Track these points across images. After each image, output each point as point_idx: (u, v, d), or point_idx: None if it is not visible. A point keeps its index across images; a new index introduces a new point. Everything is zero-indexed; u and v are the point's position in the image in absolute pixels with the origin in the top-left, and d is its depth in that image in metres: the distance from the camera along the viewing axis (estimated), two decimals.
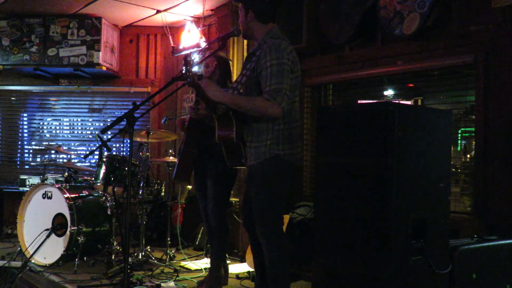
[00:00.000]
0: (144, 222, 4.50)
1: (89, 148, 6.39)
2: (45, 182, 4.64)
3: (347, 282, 2.32)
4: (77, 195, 4.43)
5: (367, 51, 3.95)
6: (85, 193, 4.56)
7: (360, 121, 2.32)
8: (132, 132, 2.63)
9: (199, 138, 3.59)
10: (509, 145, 3.09)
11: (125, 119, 2.60)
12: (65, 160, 6.15)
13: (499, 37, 3.15)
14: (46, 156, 6.50)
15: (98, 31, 5.76)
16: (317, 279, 2.53)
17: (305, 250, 3.95)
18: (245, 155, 2.82)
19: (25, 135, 6.65)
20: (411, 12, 3.51)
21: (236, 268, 4.33)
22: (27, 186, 5.69)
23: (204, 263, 4.46)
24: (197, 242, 5.14)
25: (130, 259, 4.09)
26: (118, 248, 4.31)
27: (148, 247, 4.55)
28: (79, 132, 6.52)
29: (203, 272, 4.17)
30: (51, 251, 4.29)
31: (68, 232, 4.24)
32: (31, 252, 4.33)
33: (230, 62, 3.90)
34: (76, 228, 4.22)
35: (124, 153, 5.07)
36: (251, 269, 4.13)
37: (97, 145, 4.23)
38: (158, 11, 5.56)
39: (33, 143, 6.57)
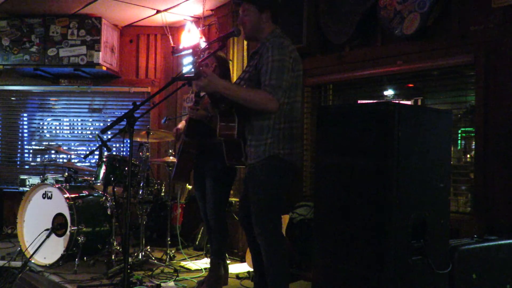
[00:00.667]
0: (144, 222, 4.49)
1: (89, 148, 6.40)
2: (45, 182, 4.64)
3: (347, 282, 2.32)
4: (77, 195, 4.43)
5: (367, 51, 3.95)
6: (85, 193, 4.56)
7: (360, 121, 2.32)
8: (132, 132, 2.63)
9: (198, 138, 3.59)
10: (509, 145, 3.09)
11: (125, 119, 2.60)
12: (65, 160, 6.15)
13: (499, 37, 3.15)
14: (46, 156, 6.50)
15: (98, 31, 5.76)
16: (317, 279, 2.53)
17: (305, 250, 3.95)
18: (245, 154, 2.82)
19: (25, 135, 6.65)
20: (411, 12, 3.51)
21: (236, 268, 4.33)
22: (27, 186, 5.69)
23: (204, 263, 4.46)
24: (197, 242, 5.14)
25: (130, 259, 4.09)
26: (118, 248, 4.31)
27: (148, 247, 4.54)
28: (79, 132, 6.52)
29: (203, 272, 4.17)
30: (51, 251, 4.29)
31: (68, 232, 4.24)
32: (31, 252, 4.32)
33: (230, 62, 3.90)
34: (76, 228, 4.22)
35: (124, 153, 5.07)
36: (251, 269, 4.13)
37: (97, 145, 4.24)
38: (158, 11, 5.56)
39: (33, 143, 6.58)
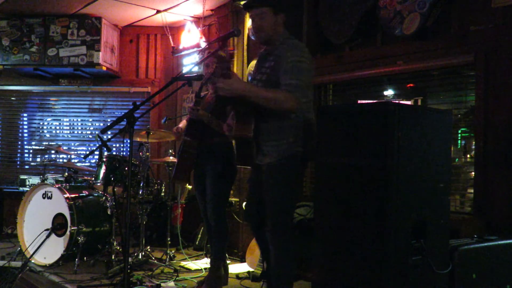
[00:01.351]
0: (144, 222, 4.49)
1: (89, 148, 6.40)
2: (45, 182, 4.64)
3: (347, 282, 2.32)
4: (77, 195, 4.43)
5: (367, 51, 3.95)
6: (85, 193, 4.56)
7: (360, 121, 2.32)
8: (132, 132, 2.64)
9: (198, 138, 3.59)
10: (509, 145, 3.09)
11: (125, 119, 2.60)
12: (65, 160, 6.16)
13: (499, 37, 3.15)
14: (46, 156, 6.50)
15: (98, 31, 5.76)
16: (317, 279, 2.53)
17: (305, 250, 3.94)
18: (256, 154, 2.83)
19: (25, 135, 6.65)
20: (411, 12, 3.51)
21: (236, 268, 4.33)
22: (27, 186, 5.69)
23: (204, 263, 4.46)
24: (197, 242, 5.14)
25: (130, 259, 4.08)
26: (118, 248, 4.31)
27: (148, 247, 4.55)
28: (79, 132, 6.52)
29: (203, 272, 4.16)
30: (51, 251, 4.29)
31: (68, 232, 4.24)
32: (31, 252, 4.32)
33: (231, 62, 3.90)
34: (76, 228, 4.22)
35: (124, 153, 5.07)
36: (251, 269, 4.13)
37: (97, 145, 4.23)
38: (158, 11, 5.56)
39: (33, 143, 6.58)
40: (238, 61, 5.03)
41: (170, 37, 5.94)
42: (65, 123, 6.55)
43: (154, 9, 5.51)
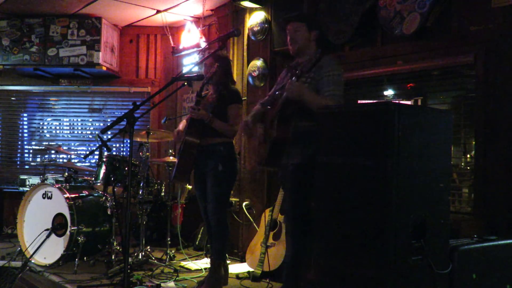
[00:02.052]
0: (144, 222, 4.50)
1: (89, 148, 6.40)
2: (45, 182, 4.64)
3: (347, 282, 2.32)
4: (77, 195, 4.43)
5: (367, 51, 3.95)
6: (85, 193, 4.56)
7: (360, 121, 2.32)
8: (132, 132, 2.64)
9: (199, 138, 3.59)
10: (509, 145, 3.09)
11: (125, 119, 2.61)
12: (65, 160, 6.16)
13: (499, 37, 3.15)
14: (46, 156, 6.50)
15: (98, 31, 5.76)
16: (317, 279, 2.52)
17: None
18: (287, 155, 3.01)
19: (25, 135, 6.65)
20: (411, 12, 3.51)
21: (236, 268, 4.33)
22: (27, 186, 5.69)
23: (204, 263, 4.46)
24: (197, 242, 5.14)
25: (130, 259, 4.09)
26: (118, 248, 4.31)
27: (148, 247, 4.55)
28: (79, 132, 6.52)
29: (203, 272, 4.17)
30: (51, 251, 4.29)
31: (68, 232, 4.24)
32: (31, 252, 4.33)
33: (231, 62, 3.90)
34: (76, 228, 4.23)
35: (124, 153, 5.07)
36: (251, 269, 4.13)
37: (97, 145, 4.24)
38: (158, 11, 5.56)
39: (33, 143, 6.58)
40: (238, 61, 5.03)
41: (170, 37, 5.94)
42: (65, 123, 6.55)
43: (154, 9, 5.51)
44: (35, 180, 5.78)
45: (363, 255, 2.24)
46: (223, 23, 5.34)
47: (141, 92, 6.33)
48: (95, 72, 6.02)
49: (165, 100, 5.63)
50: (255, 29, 4.85)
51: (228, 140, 3.67)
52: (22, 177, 5.98)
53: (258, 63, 4.81)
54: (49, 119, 6.59)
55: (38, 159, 6.53)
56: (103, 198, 4.47)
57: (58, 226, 4.33)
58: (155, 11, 5.57)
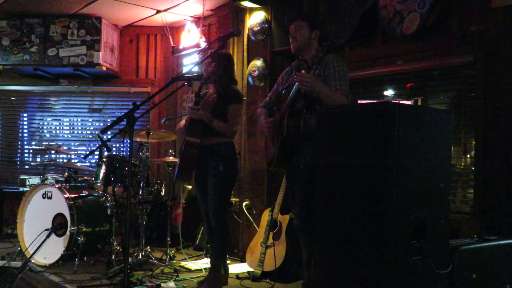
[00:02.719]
0: (144, 222, 4.50)
1: (89, 148, 6.40)
2: (45, 182, 4.64)
3: (347, 282, 2.32)
4: (77, 195, 4.43)
5: (367, 51, 3.95)
6: (85, 193, 4.56)
7: (360, 121, 2.32)
8: (132, 132, 2.64)
9: (199, 138, 3.58)
10: (509, 145, 3.09)
11: (125, 119, 2.61)
12: (65, 160, 6.16)
13: (499, 37, 3.15)
14: (46, 156, 6.50)
15: (98, 31, 5.76)
16: (317, 279, 2.53)
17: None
18: (297, 154, 3.03)
19: (25, 135, 6.65)
20: (411, 12, 3.51)
21: (236, 268, 4.33)
22: (27, 186, 5.69)
23: (204, 263, 4.46)
24: (197, 242, 5.14)
25: (130, 259, 4.09)
26: (118, 248, 4.31)
27: (148, 247, 4.55)
28: (79, 132, 6.52)
29: (203, 272, 4.17)
30: (51, 251, 4.29)
31: (68, 232, 4.24)
32: (31, 252, 4.33)
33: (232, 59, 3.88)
34: (76, 228, 4.22)
35: (124, 153, 5.07)
36: (251, 269, 4.13)
37: (97, 145, 4.24)
38: (158, 11, 5.56)
39: (33, 143, 6.58)
40: (238, 61, 5.03)
41: (170, 37, 5.94)
42: (65, 123, 6.55)
43: (154, 9, 5.51)
44: (35, 180, 5.79)
45: (363, 255, 2.24)
46: (223, 23, 5.34)
47: (141, 92, 6.33)
48: (95, 72, 6.02)
49: (165, 100, 5.63)
50: (255, 29, 4.85)
51: (229, 140, 3.66)
52: (22, 177, 5.98)
53: (258, 63, 4.81)
54: (49, 119, 6.59)
55: (38, 159, 6.53)
56: (103, 198, 4.47)
57: (58, 226, 4.33)
58: (155, 11, 5.57)
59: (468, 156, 3.55)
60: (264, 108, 3.46)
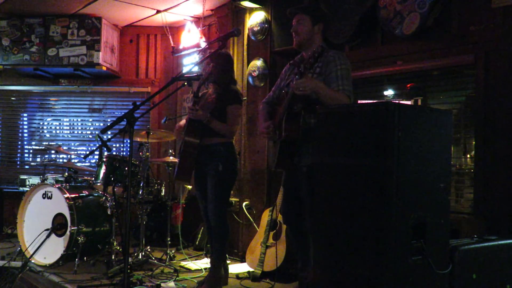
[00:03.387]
0: (144, 222, 4.50)
1: (89, 148, 6.40)
2: (45, 182, 4.64)
3: (347, 282, 2.32)
4: (77, 195, 4.43)
5: (367, 51, 3.95)
6: (85, 193, 4.56)
7: (360, 121, 2.32)
8: (132, 132, 2.64)
9: (198, 138, 3.59)
10: (509, 145, 3.09)
11: (125, 119, 2.61)
12: (65, 160, 6.16)
13: (499, 37, 3.15)
14: (46, 156, 6.50)
15: (98, 31, 5.76)
16: (317, 279, 2.52)
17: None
18: (298, 155, 3.00)
19: (25, 135, 6.65)
20: (411, 12, 3.51)
21: (236, 268, 4.33)
22: (27, 186, 5.69)
23: (204, 263, 4.46)
24: (197, 242, 5.14)
25: (130, 259, 4.09)
26: (118, 248, 4.31)
27: (148, 247, 4.55)
28: (79, 132, 6.52)
29: (203, 272, 4.17)
30: (51, 251, 4.29)
31: (68, 232, 4.24)
32: (31, 252, 4.33)
33: (231, 59, 3.87)
34: (76, 228, 4.22)
35: (124, 153, 5.07)
36: (251, 269, 4.13)
37: (97, 145, 4.23)
38: (158, 11, 5.56)
39: (33, 143, 6.58)
40: (238, 61, 5.03)
41: (170, 37, 5.94)
42: (65, 123, 6.55)
43: (154, 9, 5.51)
44: (35, 180, 5.78)
45: (363, 255, 2.24)
46: (223, 23, 5.34)
47: (141, 92, 6.33)
48: (95, 72, 6.02)
49: (165, 100, 5.63)
50: (255, 29, 4.85)
51: (228, 140, 3.67)
52: (22, 177, 5.98)
53: (258, 63, 4.81)
54: (49, 119, 6.59)
55: (38, 159, 6.53)
56: (103, 198, 4.47)
57: (58, 226, 4.33)
58: (155, 11, 5.57)
59: (468, 156, 3.55)
60: (267, 104, 3.38)
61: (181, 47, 5.73)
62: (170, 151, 4.85)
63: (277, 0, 4.70)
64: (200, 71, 4.23)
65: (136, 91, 6.34)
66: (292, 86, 2.88)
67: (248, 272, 4.12)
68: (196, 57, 5.66)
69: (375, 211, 2.19)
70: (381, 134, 2.20)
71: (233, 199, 4.90)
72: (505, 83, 3.13)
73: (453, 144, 3.50)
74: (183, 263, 4.45)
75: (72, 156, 6.19)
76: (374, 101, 3.94)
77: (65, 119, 6.54)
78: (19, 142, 6.65)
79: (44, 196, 4.50)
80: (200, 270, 4.23)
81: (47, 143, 6.38)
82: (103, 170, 4.38)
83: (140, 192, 4.36)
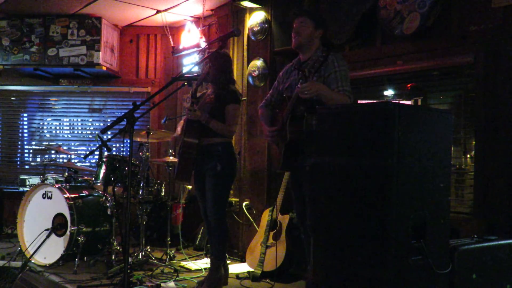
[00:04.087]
0: (144, 222, 4.50)
1: (89, 148, 6.40)
2: (45, 182, 4.64)
3: (347, 282, 2.32)
4: (77, 195, 4.43)
5: (367, 51, 3.95)
6: (85, 193, 4.56)
7: (360, 121, 2.32)
8: (132, 132, 2.64)
9: (197, 139, 3.58)
10: (509, 145, 3.09)
11: (125, 119, 2.60)
12: (65, 160, 6.16)
13: (499, 37, 3.15)
14: (46, 156, 6.50)
15: (98, 31, 5.76)
16: (317, 279, 2.52)
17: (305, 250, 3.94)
18: (302, 156, 3.01)
19: (25, 135, 6.65)
20: (411, 12, 3.51)
21: (236, 268, 4.33)
22: (27, 186, 5.69)
23: (204, 263, 4.46)
24: (197, 242, 5.14)
25: (130, 259, 4.09)
26: (118, 248, 4.31)
27: (148, 247, 4.55)
28: (79, 132, 6.52)
29: (203, 272, 4.17)
30: (51, 251, 4.29)
31: (68, 232, 4.24)
32: (31, 252, 4.33)
33: (229, 59, 3.87)
34: (76, 228, 4.22)
35: (124, 153, 5.07)
36: (251, 269, 4.13)
37: (97, 145, 4.23)
38: (158, 11, 5.56)
39: (33, 143, 6.58)
40: (238, 61, 5.03)
41: (170, 37, 5.94)
42: (65, 123, 6.55)
43: (154, 9, 5.51)
44: (35, 180, 5.78)
45: (363, 255, 2.23)
46: (223, 23, 5.34)
47: (141, 92, 6.33)
48: (95, 72, 6.02)
49: (165, 100, 5.63)
50: (255, 29, 4.85)
51: (227, 140, 3.67)
52: (22, 177, 5.98)
53: (258, 63, 4.81)
54: (49, 119, 6.59)
55: (38, 159, 6.53)
56: (103, 198, 4.47)
57: (58, 226, 4.33)
58: (155, 11, 5.57)
59: (468, 156, 3.55)
60: (266, 107, 3.41)
61: (181, 47, 5.73)
62: (170, 151, 4.84)
63: (277, 0, 4.70)
64: (200, 71, 4.23)
65: (136, 91, 6.34)
66: (297, 90, 2.95)
67: (248, 272, 4.12)
68: (196, 57, 5.66)
69: (375, 211, 2.20)
70: (381, 134, 2.20)
71: (233, 199, 4.90)
72: (505, 83, 3.13)
73: (453, 144, 3.50)
74: (183, 263, 4.45)
75: (72, 156, 6.19)
76: (374, 101, 3.94)
77: (65, 119, 6.54)
78: (19, 142, 6.66)
79: (44, 196, 4.50)
80: (200, 270, 4.23)
81: (47, 143, 6.38)
82: (103, 170, 4.39)
83: (140, 192, 4.36)
